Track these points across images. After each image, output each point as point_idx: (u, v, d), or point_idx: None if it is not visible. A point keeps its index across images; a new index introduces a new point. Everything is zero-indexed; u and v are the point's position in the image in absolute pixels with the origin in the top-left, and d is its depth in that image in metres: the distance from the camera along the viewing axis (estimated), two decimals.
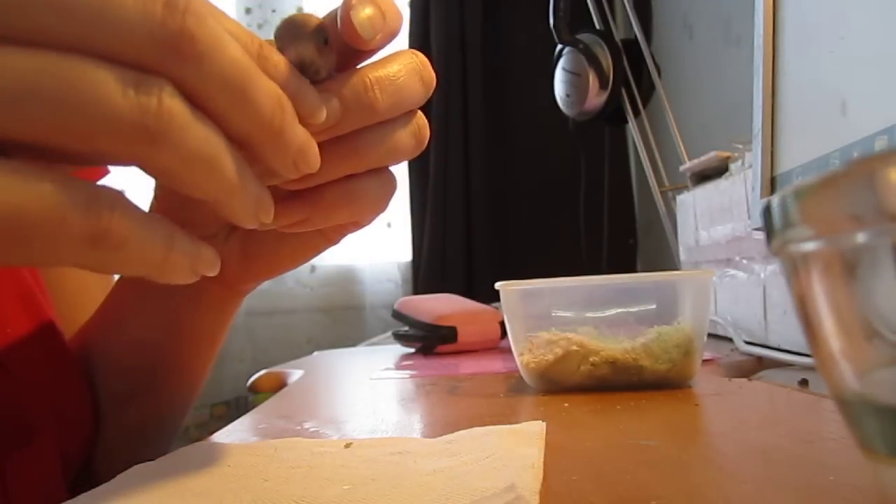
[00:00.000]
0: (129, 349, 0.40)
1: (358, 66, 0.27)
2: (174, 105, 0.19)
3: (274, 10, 1.67)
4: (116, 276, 0.43)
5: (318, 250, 0.34)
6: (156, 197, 0.34)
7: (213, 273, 0.23)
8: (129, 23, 0.18)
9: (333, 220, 0.29)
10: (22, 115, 0.17)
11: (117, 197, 0.19)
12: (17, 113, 0.17)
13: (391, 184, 0.31)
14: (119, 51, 0.18)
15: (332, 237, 0.34)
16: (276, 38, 0.25)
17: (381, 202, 0.30)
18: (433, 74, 0.29)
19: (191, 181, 0.20)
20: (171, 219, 0.25)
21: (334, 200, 0.29)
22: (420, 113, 0.29)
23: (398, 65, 0.27)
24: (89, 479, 0.40)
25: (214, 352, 0.42)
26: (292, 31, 0.25)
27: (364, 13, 0.25)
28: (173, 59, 0.19)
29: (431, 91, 0.29)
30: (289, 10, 1.67)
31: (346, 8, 0.25)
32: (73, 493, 0.26)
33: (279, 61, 0.24)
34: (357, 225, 0.33)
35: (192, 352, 0.41)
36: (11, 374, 0.35)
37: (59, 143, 0.18)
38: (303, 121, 0.24)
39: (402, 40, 1.63)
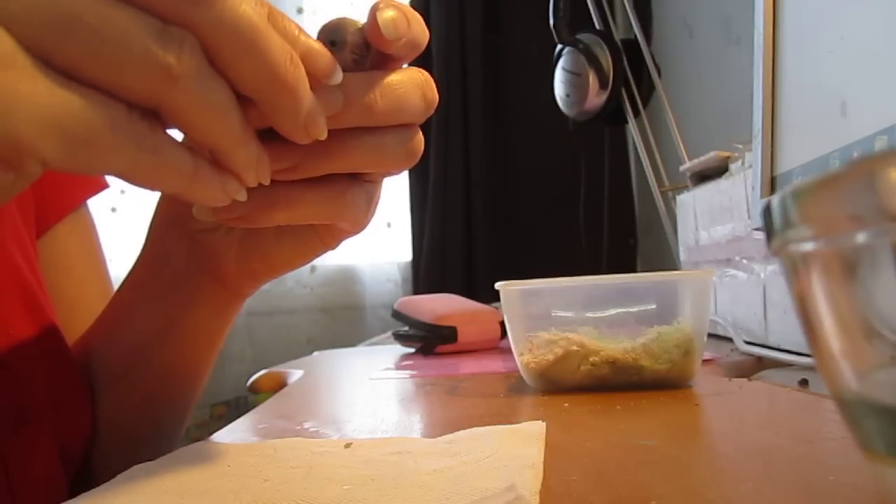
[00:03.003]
0: (129, 351, 0.41)
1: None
2: (193, 52, 0.21)
3: None
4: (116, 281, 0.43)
5: (315, 253, 0.35)
6: (163, 194, 0.36)
7: (241, 197, 0.25)
8: None
9: (310, 216, 0.30)
10: (66, 39, 0.20)
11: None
12: (62, 36, 0.20)
13: (374, 196, 0.32)
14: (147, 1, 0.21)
15: (329, 241, 0.35)
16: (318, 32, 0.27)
17: (362, 213, 0.31)
18: (436, 95, 0.29)
19: (201, 124, 0.22)
20: (176, 209, 0.26)
21: (313, 199, 0.30)
22: (418, 130, 0.30)
23: (403, 76, 0.28)
24: (88, 482, 0.40)
25: (214, 354, 0.42)
26: (333, 27, 0.27)
27: (388, 14, 0.26)
28: (191, 5, 0.21)
29: (431, 110, 0.29)
30: (289, 10, 1.67)
31: (374, 8, 0.26)
32: (74, 493, 0.26)
33: (290, 24, 0.25)
34: (351, 230, 0.34)
35: (192, 353, 0.41)
36: (13, 372, 0.36)
37: (92, 70, 0.20)
38: (315, 81, 0.25)
39: None
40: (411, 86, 0.28)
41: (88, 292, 0.48)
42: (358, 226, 0.33)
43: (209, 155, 0.24)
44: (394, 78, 0.28)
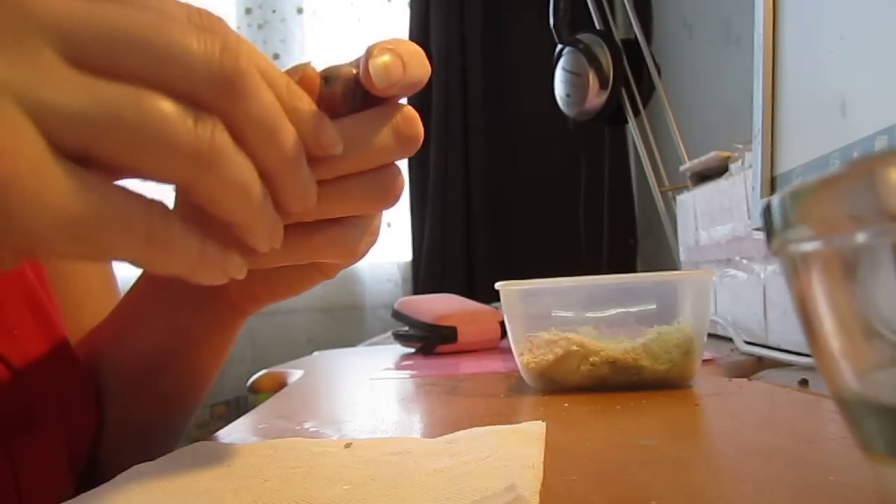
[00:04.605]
0: (138, 358, 0.42)
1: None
2: (223, 138, 0.22)
3: (274, 11, 1.67)
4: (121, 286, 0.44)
5: (314, 282, 0.36)
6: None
7: (240, 276, 0.26)
8: (193, 63, 0.21)
9: (308, 257, 0.31)
10: (107, 137, 0.20)
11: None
12: (103, 134, 0.20)
13: (367, 228, 0.32)
14: (181, 86, 0.21)
15: (326, 272, 0.36)
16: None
17: (353, 248, 0.32)
18: (416, 130, 0.29)
19: (227, 205, 0.23)
20: None
21: (318, 241, 0.30)
22: (395, 169, 0.30)
23: (370, 119, 0.28)
24: (94, 480, 0.40)
25: (218, 364, 0.44)
26: (331, 68, 0.28)
27: (381, 59, 0.26)
28: (224, 96, 0.22)
29: (410, 146, 0.29)
30: (289, 11, 1.67)
31: (367, 54, 0.27)
32: (80, 492, 0.26)
33: (305, 99, 0.26)
34: (344, 263, 0.34)
35: (196, 363, 0.42)
36: (18, 373, 0.36)
37: (127, 161, 0.21)
38: (316, 154, 0.26)
39: None
40: (378, 127, 0.28)
41: (95, 289, 0.49)
42: (351, 259, 0.33)
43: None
44: (358, 122, 0.28)
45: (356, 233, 0.31)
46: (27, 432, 0.36)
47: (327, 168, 0.27)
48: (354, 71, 0.28)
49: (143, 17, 0.21)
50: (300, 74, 0.27)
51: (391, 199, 0.30)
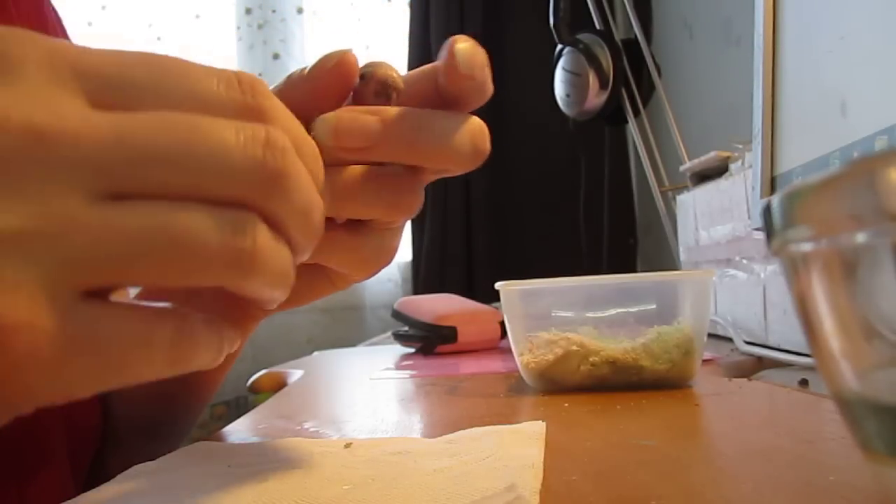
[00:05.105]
0: None
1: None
2: (265, 241, 0.20)
3: (274, 11, 1.67)
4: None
5: (323, 292, 0.35)
6: None
7: (233, 349, 0.24)
8: (235, 168, 0.20)
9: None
10: (131, 270, 0.19)
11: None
12: (126, 268, 0.18)
13: (385, 245, 0.32)
14: (223, 192, 0.20)
15: (338, 283, 0.35)
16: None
17: (371, 261, 0.31)
18: (487, 146, 0.28)
19: (265, 294, 0.22)
20: None
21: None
22: (417, 180, 0.29)
23: (454, 118, 0.27)
24: (97, 481, 0.40)
25: (224, 370, 0.43)
26: (370, 63, 0.28)
27: (467, 45, 0.26)
28: (268, 194, 0.20)
29: (478, 161, 0.28)
30: (289, 11, 1.67)
31: (451, 40, 0.26)
32: (82, 491, 0.26)
33: (320, 167, 0.25)
34: (358, 277, 0.33)
35: (203, 372, 0.41)
36: None
37: (164, 283, 0.19)
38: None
39: (401, 40, 1.64)
40: (459, 128, 0.27)
41: None
42: (360, 271, 0.32)
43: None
44: (442, 117, 0.27)
45: (367, 243, 0.30)
46: (30, 440, 0.35)
47: (398, 147, 0.26)
48: (393, 74, 0.27)
49: (174, 128, 0.19)
50: (337, 59, 0.26)
51: (404, 209, 0.29)
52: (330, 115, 0.26)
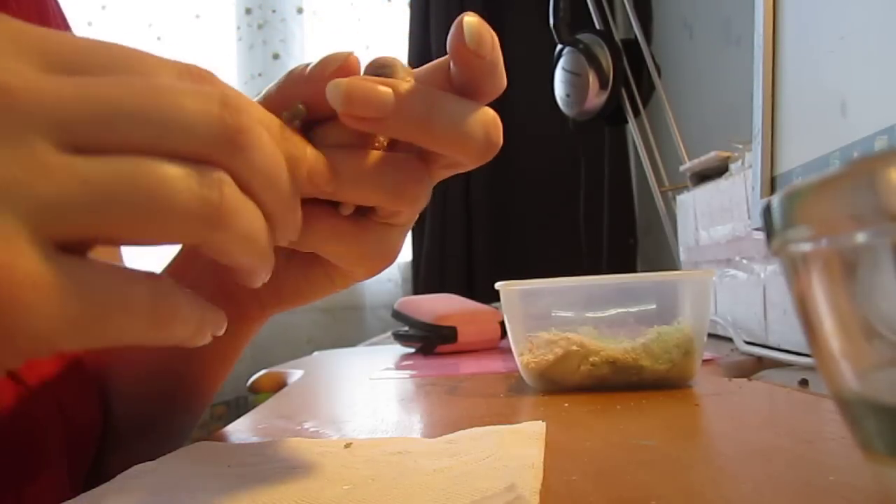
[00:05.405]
0: (142, 357, 0.41)
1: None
2: (231, 194, 0.21)
3: (274, 11, 1.67)
4: None
5: (322, 291, 0.35)
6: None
7: (220, 333, 0.24)
8: (193, 123, 0.21)
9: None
10: (104, 219, 0.19)
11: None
12: (100, 217, 0.19)
13: (388, 242, 0.31)
14: (184, 148, 0.20)
15: (339, 282, 0.35)
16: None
17: (376, 258, 0.31)
18: (500, 139, 0.27)
19: (238, 255, 0.22)
20: None
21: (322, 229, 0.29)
22: (420, 169, 0.28)
23: (470, 103, 0.27)
24: (98, 480, 0.40)
25: (226, 368, 0.43)
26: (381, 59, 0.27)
27: (475, 20, 0.25)
28: (229, 151, 0.21)
29: (489, 153, 0.27)
30: (289, 11, 1.67)
31: (459, 18, 0.26)
32: (84, 491, 0.26)
33: (297, 140, 0.26)
34: (361, 275, 0.33)
35: (201, 367, 0.42)
36: (20, 381, 0.36)
37: (135, 235, 0.20)
38: (308, 192, 0.26)
39: (401, 40, 1.64)
40: (473, 113, 0.26)
41: None
42: (360, 267, 0.32)
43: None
44: (456, 101, 0.26)
45: (371, 237, 0.30)
46: (29, 446, 0.35)
47: (409, 125, 0.26)
48: (397, 67, 0.27)
49: (134, 87, 0.20)
50: (339, 64, 0.26)
51: (410, 199, 0.28)
52: (343, 80, 0.25)
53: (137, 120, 0.20)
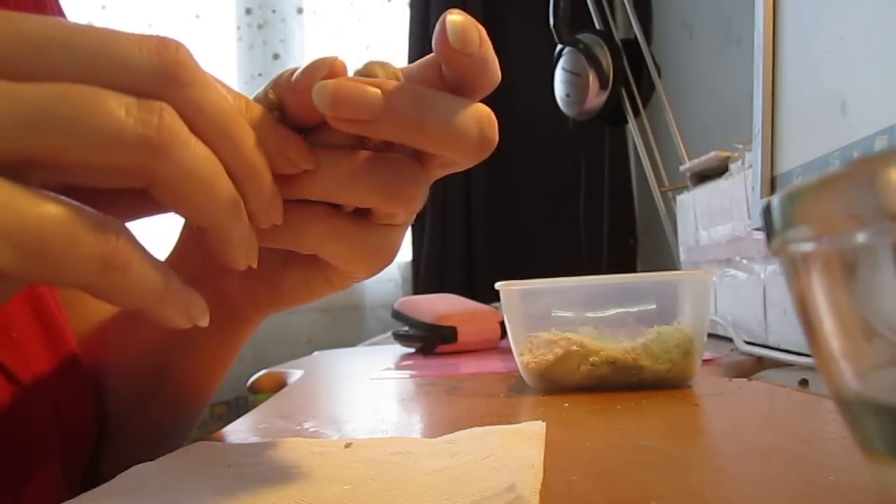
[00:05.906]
0: (139, 357, 0.41)
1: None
2: (174, 121, 0.21)
3: (274, 11, 1.67)
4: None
5: (321, 293, 0.34)
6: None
7: (203, 323, 0.24)
8: (129, 55, 0.21)
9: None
10: (39, 136, 0.19)
11: (121, 225, 0.21)
12: (35, 134, 0.19)
13: (386, 243, 0.31)
14: (120, 81, 0.20)
15: (336, 283, 0.34)
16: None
17: (373, 258, 0.30)
18: (496, 135, 0.26)
19: (192, 195, 0.22)
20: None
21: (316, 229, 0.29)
22: (414, 170, 0.28)
23: (462, 100, 0.26)
24: (96, 481, 0.40)
25: (223, 368, 0.42)
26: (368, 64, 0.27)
27: (458, 18, 0.24)
28: (168, 85, 0.21)
29: (485, 151, 0.26)
30: (289, 11, 1.67)
31: (443, 15, 0.25)
32: (82, 492, 0.26)
33: (265, 116, 0.25)
34: (359, 276, 0.33)
35: (199, 368, 0.41)
36: (16, 381, 0.35)
37: (71, 160, 0.20)
38: (283, 168, 0.25)
39: (401, 40, 1.64)
40: (465, 110, 0.25)
41: None
42: (365, 270, 0.31)
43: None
44: (447, 98, 0.25)
45: (370, 237, 0.29)
46: (25, 447, 0.35)
47: (399, 125, 0.25)
48: (378, 69, 0.26)
49: (68, 25, 0.20)
50: (325, 72, 0.25)
51: (405, 200, 0.27)
52: (330, 81, 0.25)
53: (70, 49, 0.20)
